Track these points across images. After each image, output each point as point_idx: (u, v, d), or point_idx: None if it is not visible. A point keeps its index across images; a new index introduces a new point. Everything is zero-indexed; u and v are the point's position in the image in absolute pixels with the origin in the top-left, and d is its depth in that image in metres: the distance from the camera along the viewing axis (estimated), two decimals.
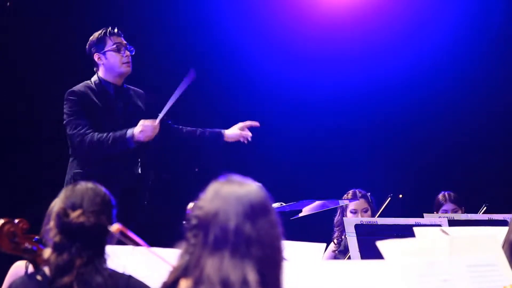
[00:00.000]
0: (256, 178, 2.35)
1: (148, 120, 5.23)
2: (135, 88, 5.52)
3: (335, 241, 5.97)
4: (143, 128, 5.19)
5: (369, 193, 6.08)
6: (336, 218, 6.07)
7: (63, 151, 5.53)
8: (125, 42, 5.39)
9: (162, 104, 5.31)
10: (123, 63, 5.34)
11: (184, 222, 3.06)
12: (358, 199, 5.97)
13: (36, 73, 7.16)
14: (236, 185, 2.26)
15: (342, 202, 5.85)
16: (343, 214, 6.03)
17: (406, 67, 7.82)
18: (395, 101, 7.86)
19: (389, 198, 5.84)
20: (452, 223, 5.09)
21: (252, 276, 2.13)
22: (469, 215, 5.33)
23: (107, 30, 5.37)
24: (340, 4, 7.91)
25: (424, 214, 5.72)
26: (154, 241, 3.75)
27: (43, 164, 7.02)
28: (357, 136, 7.91)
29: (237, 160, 7.35)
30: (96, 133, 5.19)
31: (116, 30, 5.39)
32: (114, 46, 5.33)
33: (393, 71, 7.83)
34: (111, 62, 5.34)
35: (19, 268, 3.87)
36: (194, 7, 7.67)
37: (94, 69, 5.41)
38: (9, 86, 7.10)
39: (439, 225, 4.99)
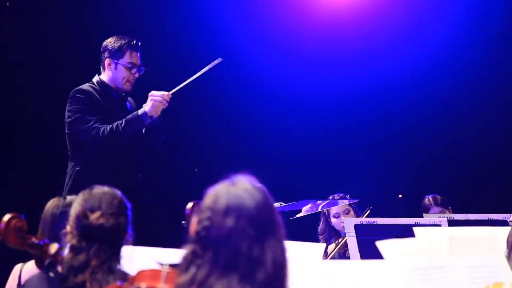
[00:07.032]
0: (256, 178, 2.34)
1: (156, 92, 5.26)
2: (130, 98, 5.56)
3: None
4: (153, 98, 5.23)
5: (348, 195, 6.02)
6: (320, 227, 6.02)
7: (62, 151, 5.53)
8: (139, 62, 5.41)
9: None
10: (127, 81, 5.39)
11: (183, 222, 3.07)
12: (338, 203, 5.90)
13: (35, 73, 7.16)
14: (247, 198, 2.22)
15: (341, 202, 5.84)
16: (327, 221, 5.99)
17: (406, 67, 7.82)
18: (395, 101, 7.86)
19: (368, 211, 5.80)
20: (452, 223, 5.09)
21: None
22: (469, 215, 5.33)
23: (129, 44, 5.38)
24: (340, 4, 7.91)
25: (424, 214, 5.73)
26: (154, 241, 3.75)
27: (41, 164, 7.02)
28: (357, 136, 7.91)
29: (237, 160, 7.35)
30: (108, 125, 5.20)
31: (139, 44, 5.41)
32: (129, 64, 5.35)
33: (393, 71, 7.83)
34: (118, 75, 5.38)
35: (19, 271, 3.89)
36: (194, 7, 7.66)
37: (100, 68, 5.43)
38: (9, 86, 7.10)
39: (439, 225, 5.00)
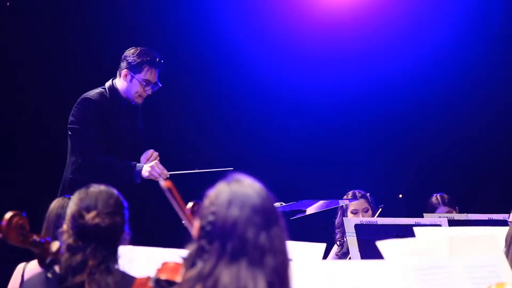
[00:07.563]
0: (256, 178, 2.35)
1: (160, 165, 5.27)
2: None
3: (338, 243, 5.96)
4: (152, 171, 5.24)
5: (368, 193, 6.08)
6: (337, 220, 6.06)
7: (62, 151, 5.53)
8: (156, 79, 5.37)
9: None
10: (139, 96, 5.37)
11: (183, 222, 3.07)
12: (358, 199, 5.97)
13: (35, 73, 7.16)
14: (248, 190, 2.26)
15: (342, 202, 5.85)
16: (343, 215, 6.02)
17: (406, 67, 7.81)
18: (395, 101, 7.86)
19: (380, 209, 5.84)
20: (452, 223, 5.09)
21: (263, 285, 2.16)
22: (469, 215, 5.33)
23: (150, 62, 5.33)
24: (340, 4, 7.91)
25: (424, 214, 5.72)
26: (154, 241, 3.75)
27: (41, 165, 7.02)
28: (357, 136, 7.91)
29: (237, 160, 7.34)
30: (104, 155, 5.22)
31: (160, 62, 5.36)
32: (144, 82, 5.32)
33: (393, 71, 7.83)
34: (131, 88, 5.35)
35: (22, 270, 3.89)
36: (194, 7, 7.66)
37: (117, 73, 5.39)
38: (9, 86, 7.10)
39: (439, 225, 5.00)
